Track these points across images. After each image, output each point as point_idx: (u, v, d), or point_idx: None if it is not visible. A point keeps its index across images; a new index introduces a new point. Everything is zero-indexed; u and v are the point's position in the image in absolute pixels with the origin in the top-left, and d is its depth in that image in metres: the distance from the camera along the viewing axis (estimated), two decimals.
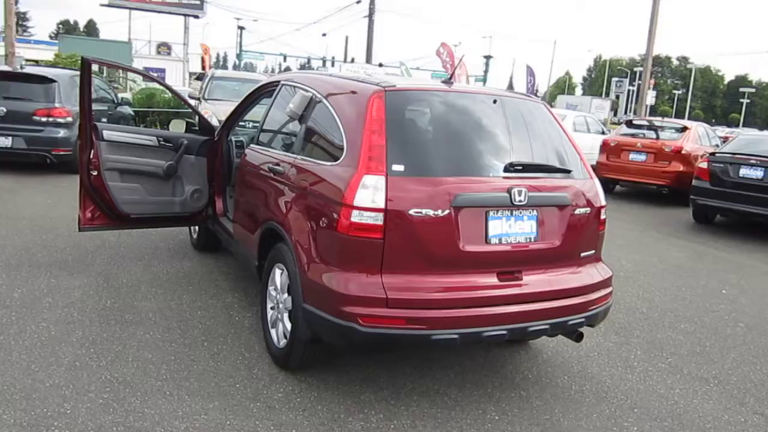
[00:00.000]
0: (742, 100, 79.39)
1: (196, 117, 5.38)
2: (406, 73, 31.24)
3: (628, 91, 74.97)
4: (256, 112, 5.18)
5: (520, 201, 3.19)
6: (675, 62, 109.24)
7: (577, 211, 3.44)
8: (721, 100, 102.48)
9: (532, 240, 3.29)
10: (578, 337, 3.58)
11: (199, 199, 5.22)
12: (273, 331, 3.77)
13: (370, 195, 2.97)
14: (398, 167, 3.03)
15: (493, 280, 3.20)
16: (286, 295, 3.57)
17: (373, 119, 3.15)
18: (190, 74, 41.21)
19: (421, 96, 3.39)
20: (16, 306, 4.26)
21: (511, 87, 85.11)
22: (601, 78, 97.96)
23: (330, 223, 3.11)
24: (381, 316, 2.96)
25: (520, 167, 3.30)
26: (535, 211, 3.29)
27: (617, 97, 71.44)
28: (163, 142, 5.03)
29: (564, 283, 3.37)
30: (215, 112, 11.01)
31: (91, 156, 4.70)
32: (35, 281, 4.76)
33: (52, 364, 3.49)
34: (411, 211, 2.99)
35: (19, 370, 3.38)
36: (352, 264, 3.04)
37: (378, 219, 2.97)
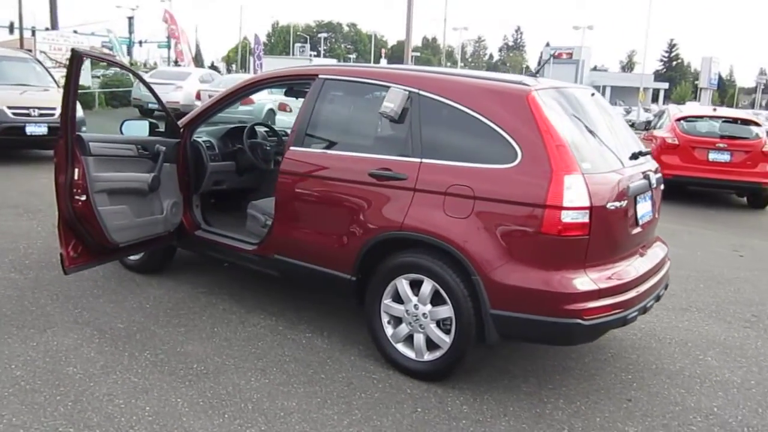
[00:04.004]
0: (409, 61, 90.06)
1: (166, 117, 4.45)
2: (115, 42, 28.27)
3: (310, 55, 79.10)
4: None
5: (653, 184, 3.59)
6: (346, 28, 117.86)
7: (660, 188, 3.98)
8: (389, 61, 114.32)
9: (652, 217, 3.73)
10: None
11: (177, 214, 4.42)
12: (400, 346, 3.56)
13: (575, 194, 3.05)
14: (586, 165, 3.15)
15: (638, 257, 3.57)
16: (429, 306, 3.41)
17: (542, 119, 3.18)
18: None
19: (558, 94, 3.49)
20: (45, 387, 3.19)
21: (198, 53, 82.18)
22: (281, 43, 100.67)
23: (528, 225, 3.10)
24: (597, 307, 3.11)
25: (638, 154, 3.68)
26: (651, 192, 3.72)
27: (310, 61, 74.61)
28: (141, 150, 4.11)
29: (661, 253, 3.90)
30: (3, 100, 9.12)
31: (76, 177, 3.63)
32: (10, 348, 3.56)
33: None
34: (608, 205, 3.17)
35: None
36: (558, 263, 3.10)
37: (585, 217, 3.07)
